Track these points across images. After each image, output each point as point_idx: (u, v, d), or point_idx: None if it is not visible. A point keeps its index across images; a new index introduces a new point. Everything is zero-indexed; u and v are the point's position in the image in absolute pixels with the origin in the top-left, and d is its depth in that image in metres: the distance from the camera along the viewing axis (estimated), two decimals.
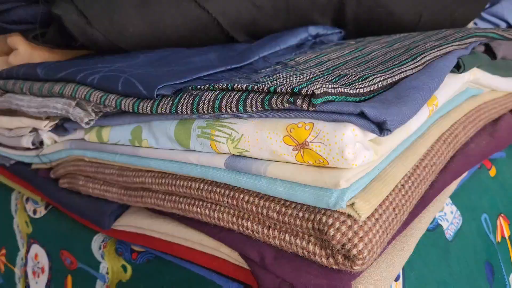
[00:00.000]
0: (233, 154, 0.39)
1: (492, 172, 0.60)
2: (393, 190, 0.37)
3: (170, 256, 0.50)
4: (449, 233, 0.49)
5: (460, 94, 0.49)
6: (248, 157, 0.38)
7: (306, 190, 0.34)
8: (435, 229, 0.48)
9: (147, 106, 0.42)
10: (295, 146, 0.34)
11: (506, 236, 0.59)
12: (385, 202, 0.36)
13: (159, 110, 0.41)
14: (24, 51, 0.65)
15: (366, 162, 0.32)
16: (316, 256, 0.35)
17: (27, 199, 0.73)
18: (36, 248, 0.72)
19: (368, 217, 0.34)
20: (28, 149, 0.62)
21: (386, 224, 0.35)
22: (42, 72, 0.55)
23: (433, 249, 0.47)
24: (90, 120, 0.49)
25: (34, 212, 0.72)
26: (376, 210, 0.35)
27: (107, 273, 0.59)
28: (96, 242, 0.60)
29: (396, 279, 0.43)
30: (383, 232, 0.34)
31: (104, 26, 0.57)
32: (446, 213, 0.50)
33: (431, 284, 0.45)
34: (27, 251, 0.74)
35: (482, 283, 0.52)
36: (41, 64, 0.58)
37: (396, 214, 0.36)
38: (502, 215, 0.59)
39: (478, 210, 0.55)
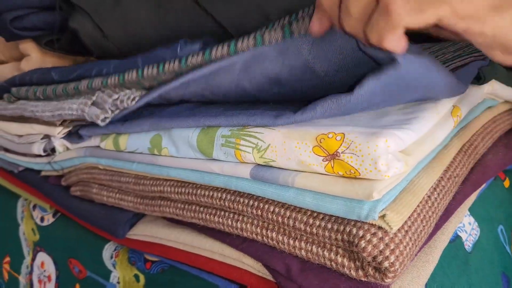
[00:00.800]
0: (259, 164, 0.38)
1: (506, 183, 0.60)
2: (420, 201, 0.37)
3: (186, 266, 0.49)
4: (468, 244, 0.49)
5: (479, 105, 0.49)
6: (274, 167, 0.37)
7: (336, 202, 0.34)
8: (455, 240, 0.48)
9: (174, 63, 0.41)
10: (325, 156, 0.33)
11: None
12: (413, 214, 0.35)
13: (189, 62, 0.39)
14: (36, 57, 0.65)
15: (397, 173, 0.32)
16: (345, 268, 0.35)
17: (34, 206, 0.72)
18: (42, 256, 0.71)
19: (398, 229, 0.34)
20: (39, 156, 0.61)
21: (415, 236, 0.35)
22: (56, 75, 0.54)
23: (454, 260, 0.47)
24: (106, 117, 0.48)
25: (42, 219, 0.71)
26: (405, 222, 0.34)
27: (118, 282, 0.58)
28: (108, 250, 0.59)
29: None
30: (412, 244, 0.34)
31: (119, 39, 0.56)
32: (464, 224, 0.50)
33: None
34: (33, 259, 0.73)
35: None
36: (55, 68, 0.58)
37: (424, 226, 0.36)
38: None
39: (494, 221, 0.55)
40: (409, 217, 0.35)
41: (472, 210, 0.52)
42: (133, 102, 0.47)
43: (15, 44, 0.66)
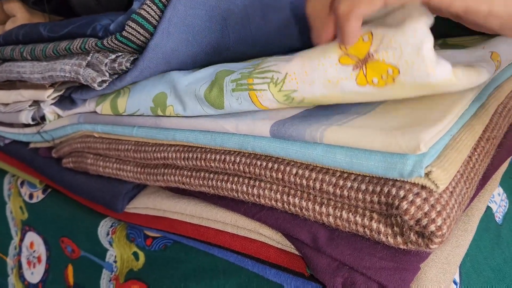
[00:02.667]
0: (279, 120, 0.34)
1: None
2: (462, 162, 0.33)
3: (192, 241, 0.45)
4: (498, 216, 0.46)
5: (510, 66, 0.45)
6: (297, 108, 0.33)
7: (373, 157, 0.29)
8: (486, 211, 0.44)
9: None
10: (355, 64, 0.29)
11: None
12: (456, 174, 0.31)
13: None
14: (22, 18, 0.59)
15: (446, 79, 0.27)
16: (381, 235, 0.30)
17: (22, 183, 0.67)
18: (32, 236, 0.66)
19: (443, 190, 0.29)
20: (28, 125, 0.56)
21: (459, 199, 0.31)
22: (45, 30, 0.48)
23: (485, 233, 0.43)
24: (103, 80, 0.43)
25: (30, 196, 0.66)
26: (449, 182, 0.30)
27: (115, 261, 0.54)
28: (104, 227, 0.55)
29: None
30: (458, 207, 0.30)
31: (112, 3, 0.52)
32: (494, 195, 0.47)
33: (485, 270, 0.41)
34: (21, 240, 0.68)
35: None
36: (43, 23, 0.52)
37: (467, 188, 0.32)
38: None
39: None
40: (453, 177, 0.31)
41: (501, 181, 0.48)
42: (132, 65, 0.42)
43: None
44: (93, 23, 0.43)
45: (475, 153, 0.35)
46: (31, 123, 0.54)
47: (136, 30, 0.39)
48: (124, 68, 0.42)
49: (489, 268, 0.41)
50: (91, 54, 0.44)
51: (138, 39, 0.40)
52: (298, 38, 0.52)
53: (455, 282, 0.38)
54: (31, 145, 0.59)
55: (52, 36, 0.46)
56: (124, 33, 0.39)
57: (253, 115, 0.37)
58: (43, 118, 0.54)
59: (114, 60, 0.42)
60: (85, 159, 0.50)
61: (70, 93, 0.49)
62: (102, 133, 0.48)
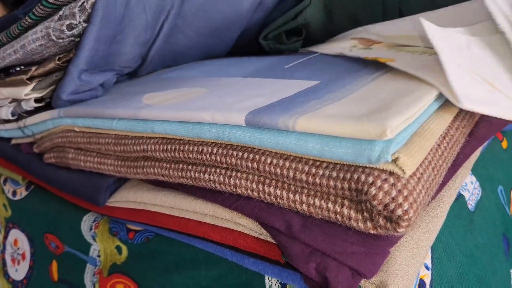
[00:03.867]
0: (254, 109, 0.35)
1: (504, 144, 0.58)
2: (431, 149, 0.34)
3: (174, 233, 0.46)
4: (471, 204, 0.47)
5: None
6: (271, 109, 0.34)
7: (343, 144, 0.30)
8: (458, 199, 0.46)
9: None
10: None
11: None
12: (424, 161, 0.33)
13: None
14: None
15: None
16: (352, 221, 0.31)
17: (5, 180, 0.67)
18: (16, 233, 0.66)
19: (410, 176, 0.30)
20: (8, 121, 0.56)
21: (427, 185, 0.32)
22: (20, 11, 0.48)
23: (458, 220, 0.44)
24: (71, 23, 0.43)
25: (14, 193, 0.66)
26: (417, 169, 0.31)
27: (99, 256, 0.54)
28: (87, 222, 0.55)
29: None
30: (425, 192, 0.31)
31: None
32: (466, 183, 0.48)
33: (458, 256, 0.42)
34: (5, 237, 0.68)
35: (501, 256, 0.50)
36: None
37: (435, 175, 0.33)
38: None
39: (495, 181, 0.53)
40: (421, 164, 0.32)
41: (473, 169, 0.50)
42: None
43: None
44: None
45: (444, 141, 0.36)
46: (11, 118, 0.54)
47: None
48: (91, 3, 0.42)
49: (461, 254, 0.42)
50: (63, 8, 0.44)
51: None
52: None
53: (427, 267, 0.39)
54: (13, 141, 0.60)
55: (26, 11, 0.46)
56: None
57: (229, 105, 0.37)
58: (24, 113, 0.54)
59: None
60: (66, 154, 0.51)
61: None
62: (82, 127, 0.49)
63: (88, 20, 0.43)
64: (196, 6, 0.52)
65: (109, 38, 0.46)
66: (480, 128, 0.45)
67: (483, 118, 0.46)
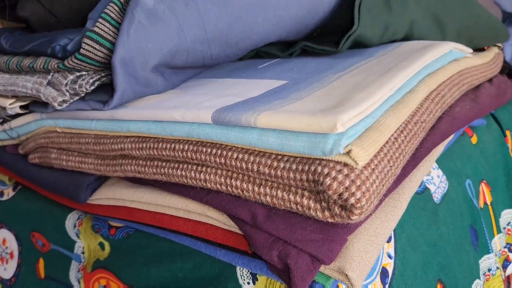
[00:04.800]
0: (221, 108, 0.37)
1: (474, 139, 0.61)
2: (387, 142, 0.36)
3: (152, 228, 0.47)
4: (437, 196, 0.49)
5: (445, 55, 0.48)
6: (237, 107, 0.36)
7: (300, 138, 0.32)
8: (424, 192, 0.48)
9: None
10: None
11: (488, 202, 0.59)
12: (379, 153, 0.35)
13: None
14: None
15: None
16: (311, 210, 0.33)
17: None
18: (3, 233, 0.68)
19: (364, 167, 0.33)
20: None
21: (382, 175, 0.34)
22: (7, 44, 0.51)
23: (423, 212, 0.46)
24: (64, 100, 0.45)
25: (1, 194, 0.67)
26: (371, 160, 0.33)
27: (83, 252, 0.56)
28: (71, 220, 0.57)
29: (388, 241, 0.42)
30: (379, 182, 0.33)
31: (74, 22, 0.53)
32: (433, 177, 0.50)
33: (421, 245, 0.44)
34: None
35: (468, 246, 0.52)
36: (3, 33, 0.54)
37: (390, 166, 0.35)
38: (484, 181, 0.59)
39: (462, 175, 0.55)
40: (376, 155, 0.34)
41: (441, 163, 0.52)
42: (92, 87, 0.45)
43: None
44: (52, 43, 0.45)
45: (402, 135, 0.38)
46: None
47: (92, 47, 0.42)
48: (85, 90, 0.45)
49: (425, 243, 0.44)
50: (51, 74, 0.46)
51: (97, 55, 0.42)
52: None
53: (390, 256, 0.41)
54: None
55: (13, 51, 0.49)
56: (82, 51, 0.42)
57: (198, 104, 0.39)
58: (9, 116, 0.56)
59: (74, 82, 0.45)
60: (49, 154, 0.53)
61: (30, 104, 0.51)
62: (64, 127, 0.51)
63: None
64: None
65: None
66: (443, 123, 0.47)
67: (447, 113, 0.48)
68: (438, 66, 0.47)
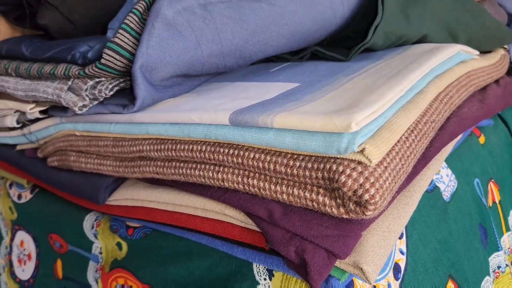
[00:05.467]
0: (238, 109, 0.38)
1: (482, 139, 0.62)
2: (398, 141, 0.37)
3: (169, 228, 0.49)
4: (446, 195, 0.50)
5: (452, 57, 0.50)
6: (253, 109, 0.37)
7: (315, 138, 0.34)
8: (433, 190, 0.49)
9: None
10: None
11: (497, 201, 0.60)
12: (391, 152, 0.36)
13: None
14: (5, 31, 0.64)
15: None
16: (327, 207, 0.35)
17: (11, 185, 0.71)
18: (21, 235, 0.69)
19: (377, 165, 0.34)
20: (13, 128, 0.60)
21: (394, 173, 0.35)
22: (28, 51, 0.53)
23: (433, 210, 0.48)
24: (84, 105, 0.47)
25: (19, 197, 0.69)
26: (384, 158, 0.35)
27: (101, 253, 0.57)
28: (89, 221, 0.59)
29: (400, 237, 0.43)
30: (392, 179, 0.34)
31: (92, 29, 0.55)
32: (442, 176, 0.51)
33: (432, 242, 0.45)
34: (12, 239, 0.71)
35: (477, 244, 0.53)
36: (24, 40, 0.56)
37: (402, 165, 0.36)
38: (492, 180, 0.60)
39: (471, 174, 0.56)
40: (388, 154, 0.35)
41: (449, 163, 0.53)
42: (111, 92, 0.47)
43: None
44: (73, 50, 0.47)
45: (412, 134, 0.39)
46: (16, 126, 0.58)
47: (113, 57, 0.44)
48: (104, 95, 0.47)
49: (435, 240, 0.46)
50: (72, 79, 0.48)
51: (116, 65, 0.44)
52: None
53: (402, 252, 0.42)
54: (18, 147, 0.63)
55: (34, 58, 0.50)
56: (102, 60, 0.43)
57: (215, 106, 0.41)
58: (28, 121, 0.58)
59: (94, 87, 0.47)
60: (68, 157, 0.54)
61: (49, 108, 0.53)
62: (82, 131, 0.52)
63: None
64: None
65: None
66: (451, 123, 0.48)
67: (455, 114, 0.50)
68: (446, 68, 0.48)
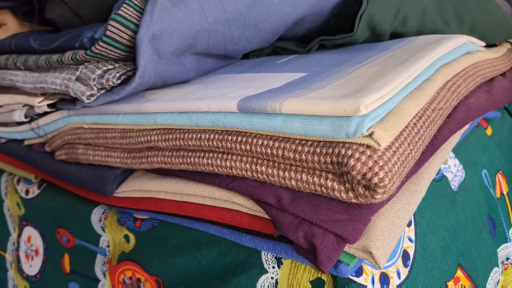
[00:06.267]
0: (246, 97, 0.38)
1: (489, 131, 0.62)
2: (406, 127, 0.37)
3: (177, 218, 0.49)
4: (454, 184, 0.50)
5: (459, 47, 0.50)
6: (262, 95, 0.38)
7: (324, 122, 0.34)
8: (441, 179, 0.49)
9: None
10: None
11: (505, 192, 0.60)
12: (400, 137, 0.36)
13: None
14: (13, 27, 0.64)
15: None
16: (335, 192, 0.35)
17: (19, 180, 0.71)
18: (29, 230, 0.70)
19: (386, 149, 0.34)
20: (21, 123, 0.60)
21: (403, 157, 0.35)
22: (36, 43, 0.53)
23: (441, 198, 0.47)
24: (91, 94, 0.47)
25: (27, 192, 0.69)
26: (392, 143, 0.35)
27: (108, 246, 0.58)
28: (96, 214, 0.59)
29: (408, 225, 0.43)
30: (400, 164, 0.34)
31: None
32: (450, 165, 0.51)
33: (440, 231, 0.45)
34: (19, 235, 0.72)
35: (486, 234, 0.53)
36: (32, 34, 0.57)
37: (411, 150, 0.36)
38: (500, 172, 0.60)
39: (478, 165, 0.56)
40: (396, 139, 0.35)
41: (457, 153, 0.53)
42: (119, 81, 0.47)
43: None
44: (80, 37, 0.48)
45: (420, 120, 0.39)
46: (25, 120, 0.58)
47: (118, 29, 0.44)
48: (111, 84, 0.47)
49: (444, 229, 0.45)
50: (80, 69, 0.48)
51: (122, 37, 0.44)
52: None
53: (410, 240, 0.42)
54: (26, 142, 0.63)
55: (42, 50, 0.51)
56: (107, 33, 0.44)
57: (223, 95, 0.41)
58: (36, 115, 0.58)
59: (101, 76, 0.47)
60: (76, 150, 0.55)
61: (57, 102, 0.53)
62: (90, 123, 0.52)
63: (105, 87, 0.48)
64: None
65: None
66: (459, 112, 0.48)
67: (462, 103, 0.50)
68: (452, 57, 0.48)
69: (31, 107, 0.58)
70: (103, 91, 0.48)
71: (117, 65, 0.47)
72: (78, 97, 0.48)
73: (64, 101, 0.54)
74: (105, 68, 0.46)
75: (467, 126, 0.53)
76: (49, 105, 0.56)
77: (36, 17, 0.57)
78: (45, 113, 0.58)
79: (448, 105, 0.45)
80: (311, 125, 0.34)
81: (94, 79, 0.46)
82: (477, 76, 0.53)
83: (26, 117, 0.59)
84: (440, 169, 0.49)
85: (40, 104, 0.55)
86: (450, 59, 0.47)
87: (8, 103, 0.60)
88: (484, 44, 0.56)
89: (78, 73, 0.47)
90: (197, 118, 0.42)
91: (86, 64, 0.48)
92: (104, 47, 0.45)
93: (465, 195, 0.51)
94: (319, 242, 0.35)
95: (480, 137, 0.59)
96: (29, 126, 0.60)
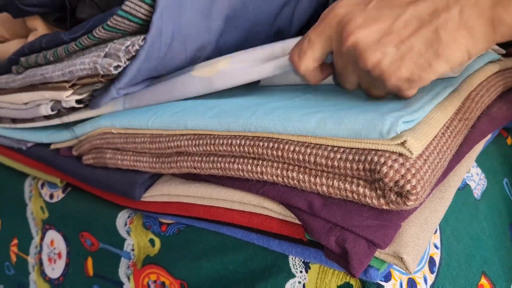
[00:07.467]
0: None
1: (509, 140, 0.62)
2: (435, 137, 0.38)
3: (204, 223, 0.50)
4: (477, 193, 0.51)
5: (482, 57, 0.51)
6: None
7: (358, 121, 0.35)
8: (465, 188, 0.50)
9: None
10: None
11: None
12: (429, 146, 0.37)
13: None
14: (43, 32, 0.65)
15: None
16: (367, 198, 0.36)
17: (43, 184, 0.73)
18: (52, 234, 0.71)
19: (417, 157, 0.35)
20: (49, 117, 0.61)
21: (433, 166, 0.36)
22: (66, 36, 0.53)
23: (464, 206, 0.48)
24: (118, 65, 0.48)
25: (51, 196, 0.71)
26: (423, 152, 0.36)
27: (133, 250, 0.59)
28: (122, 218, 0.60)
29: (434, 232, 0.44)
30: (431, 172, 0.35)
31: None
32: (472, 174, 0.52)
33: (465, 238, 0.46)
34: (42, 238, 0.73)
35: (508, 243, 0.53)
36: (61, 32, 0.58)
37: (440, 159, 0.37)
38: None
39: (499, 174, 0.57)
40: (426, 148, 0.36)
41: (479, 162, 0.54)
42: (143, 42, 0.47)
43: (20, 22, 0.66)
44: (105, 19, 0.49)
45: (448, 130, 0.40)
46: (52, 113, 0.58)
47: (134, 3, 0.45)
48: (137, 46, 0.47)
49: (468, 237, 0.46)
50: (109, 45, 0.49)
51: (139, 11, 0.46)
52: None
53: (436, 246, 0.43)
54: (52, 146, 0.65)
55: (73, 37, 0.52)
56: (124, 7, 0.45)
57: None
58: (62, 109, 0.58)
59: (129, 45, 0.48)
60: (104, 154, 0.56)
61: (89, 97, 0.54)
62: (119, 128, 0.54)
63: (132, 57, 0.49)
64: (234, 38, 0.58)
65: (150, 69, 0.51)
66: (482, 122, 0.49)
67: (485, 113, 0.50)
68: (476, 67, 0.49)
69: (58, 101, 0.58)
70: (129, 62, 0.49)
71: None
72: (106, 71, 0.48)
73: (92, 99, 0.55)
74: (134, 38, 0.48)
75: (489, 136, 0.54)
76: (77, 101, 0.56)
77: (68, 22, 0.58)
78: (72, 109, 0.58)
79: (473, 116, 0.46)
80: (344, 124, 0.36)
81: (123, 50, 0.47)
82: (499, 85, 0.54)
83: (52, 109, 0.59)
84: (463, 178, 0.50)
85: (68, 98, 0.55)
86: (474, 69, 0.48)
87: (35, 99, 0.61)
88: (503, 51, 0.57)
89: (107, 49, 0.48)
90: (228, 123, 0.43)
91: (114, 40, 0.50)
92: (120, 21, 0.46)
93: (488, 203, 0.51)
94: (351, 247, 0.35)
95: (501, 146, 0.59)
96: (60, 120, 0.60)
